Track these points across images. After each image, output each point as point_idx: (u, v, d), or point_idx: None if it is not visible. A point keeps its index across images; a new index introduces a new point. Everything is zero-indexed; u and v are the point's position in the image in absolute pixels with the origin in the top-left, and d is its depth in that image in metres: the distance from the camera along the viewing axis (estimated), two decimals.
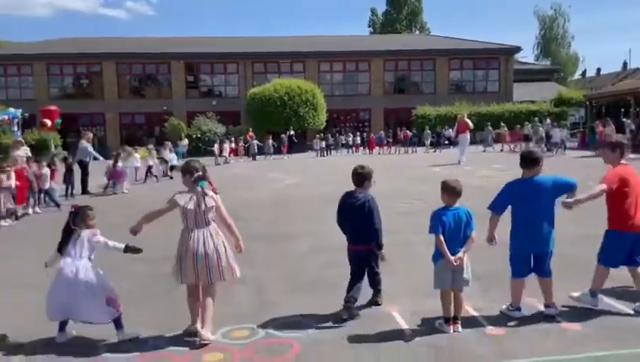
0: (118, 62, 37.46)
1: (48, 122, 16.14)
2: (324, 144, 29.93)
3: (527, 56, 61.18)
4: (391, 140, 31.10)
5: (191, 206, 4.15)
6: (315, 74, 37.82)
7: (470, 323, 4.38)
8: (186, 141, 29.24)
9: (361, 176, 4.61)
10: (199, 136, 32.57)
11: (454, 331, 4.21)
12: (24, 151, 13.61)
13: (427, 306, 4.60)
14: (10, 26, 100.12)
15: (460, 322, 4.28)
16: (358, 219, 4.50)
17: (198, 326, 4.22)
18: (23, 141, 13.58)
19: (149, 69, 38.73)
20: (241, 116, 35.82)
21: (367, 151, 31.09)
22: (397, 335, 4.25)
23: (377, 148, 30.85)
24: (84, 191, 14.66)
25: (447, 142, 29.91)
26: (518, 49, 39.75)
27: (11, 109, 21.48)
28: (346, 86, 39.38)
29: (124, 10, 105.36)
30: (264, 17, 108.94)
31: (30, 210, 11.36)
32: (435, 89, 38.92)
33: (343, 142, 32.37)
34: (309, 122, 32.61)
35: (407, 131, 30.91)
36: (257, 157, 28.08)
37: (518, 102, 36.43)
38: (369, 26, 67.52)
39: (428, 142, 29.34)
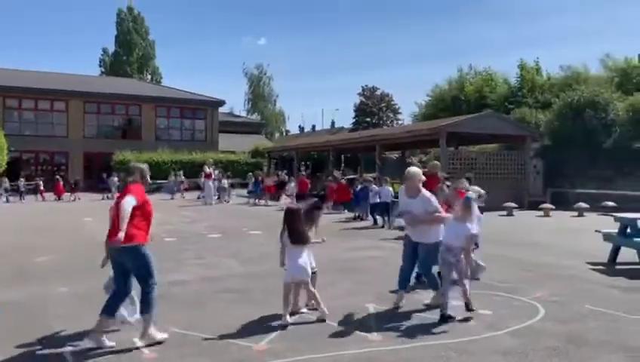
0: None
1: None
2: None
3: (243, 109, 66.05)
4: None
5: None
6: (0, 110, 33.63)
7: None
8: None
9: None
10: None
11: None
12: None
13: None
14: None
15: None
16: None
17: None
18: None
19: None
20: None
21: (56, 197, 28.41)
22: None
23: (67, 194, 28.44)
24: None
25: None
26: (222, 102, 42.12)
27: None
28: (39, 126, 35.93)
29: None
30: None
31: None
32: (141, 135, 38.45)
33: (28, 187, 28.86)
34: None
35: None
36: None
37: (221, 151, 38.52)
38: (100, 66, 64.42)
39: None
